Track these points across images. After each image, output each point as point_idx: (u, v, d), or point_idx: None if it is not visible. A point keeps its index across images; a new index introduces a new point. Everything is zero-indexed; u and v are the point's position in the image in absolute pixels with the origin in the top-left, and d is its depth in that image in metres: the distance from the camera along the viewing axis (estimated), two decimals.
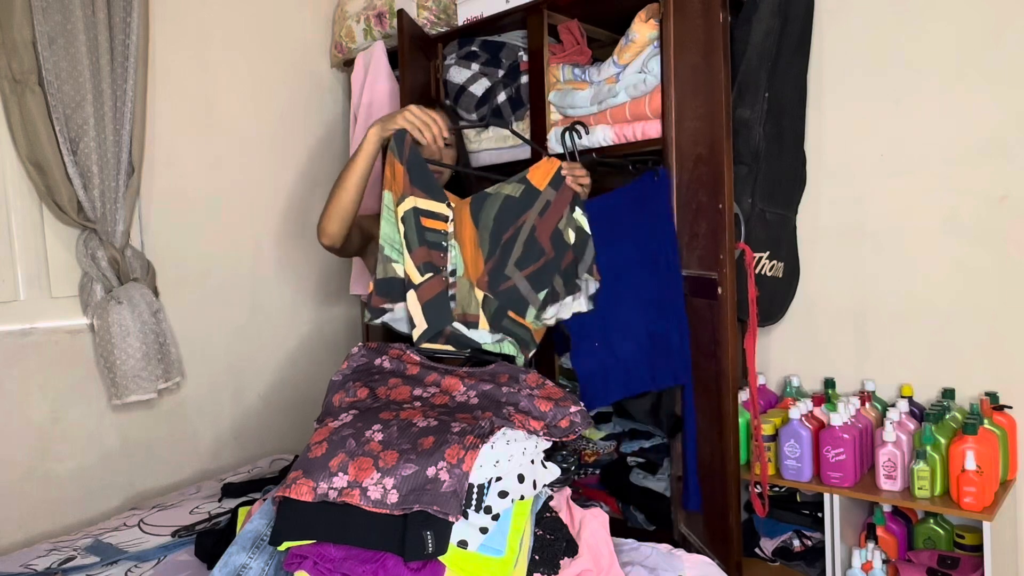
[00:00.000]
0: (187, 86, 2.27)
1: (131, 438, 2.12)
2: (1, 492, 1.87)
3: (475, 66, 2.30)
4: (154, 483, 2.18)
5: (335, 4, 2.68)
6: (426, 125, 1.63)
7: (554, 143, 2.16)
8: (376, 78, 2.43)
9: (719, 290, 1.74)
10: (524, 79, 2.22)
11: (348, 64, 2.63)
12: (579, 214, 1.70)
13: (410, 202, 1.61)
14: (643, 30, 1.93)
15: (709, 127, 1.76)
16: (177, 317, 2.18)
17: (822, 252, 2.19)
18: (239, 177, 2.42)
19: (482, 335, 1.64)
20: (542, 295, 1.65)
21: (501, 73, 2.27)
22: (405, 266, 1.59)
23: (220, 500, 1.91)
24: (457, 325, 1.63)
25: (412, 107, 1.65)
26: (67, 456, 1.99)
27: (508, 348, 1.66)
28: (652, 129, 1.97)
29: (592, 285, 1.71)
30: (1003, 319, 1.93)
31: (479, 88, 2.28)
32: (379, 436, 1.34)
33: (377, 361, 1.62)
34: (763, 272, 2.05)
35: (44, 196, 1.89)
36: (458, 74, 2.32)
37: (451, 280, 1.65)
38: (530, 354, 1.69)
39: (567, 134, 1.94)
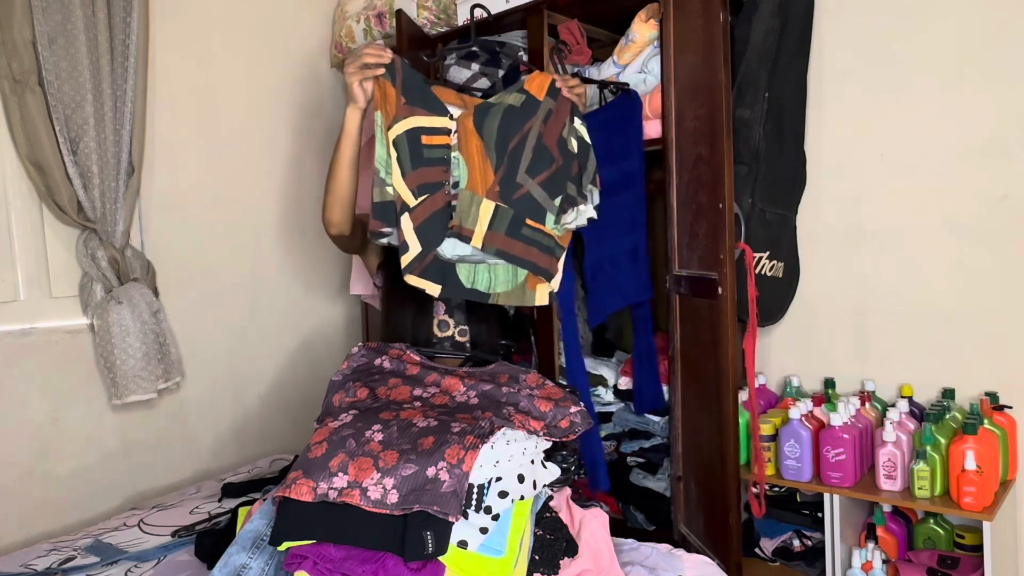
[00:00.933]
0: (187, 86, 2.27)
1: (131, 438, 2.12)
2: (1, 492, 1.87)
3: (475, 66, 2.30)
4: (154, 483, 2.18)
5: (335, 4, 2.68)
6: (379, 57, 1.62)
7: None
8: None
9: (719, 290, 1.74)
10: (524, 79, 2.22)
11: None
12: (579, 124, 1.70)
13: (406, 124, 1.60)
14: (643, 30, 1.94)
15: (709, 127, 1.76)
16: (177, 317, 2.18)
17: (822, 252, 2.19)
18: (239, 177, 2.42)
19: (466, 249, 1.62)
20: (558, 200, 1.65)
21: (501, 73, 2.27)
22: (397, 188, 1.58)
23: (220, 500, 1.91)
24: (443, 247, 1.61)
25: (366, 51, 1.62)
26: (67, 456, 1.99)
27: (482, 277, 1.65)
28: (652, 129, 1.97)
29: (596, 195, 1.72)
30: (1003, 319, 1.93)
31: (479, 88, 2.28)
32: (379, 436, 1.34)
33: (377, 361, 1.62)
34: (763, 272, 2.05)
35: (44, 196, 1.89)
36: (458, 74, 2.32)
37: (453, 192, 1.64)
38: (559, 263, 1.68)
39: (553, 55, 1.96)
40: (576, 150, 1.69)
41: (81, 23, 1.87)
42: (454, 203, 1.63)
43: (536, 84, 1.69)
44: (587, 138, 1.71)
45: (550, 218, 1.65)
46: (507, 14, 2.19)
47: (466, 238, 1.61)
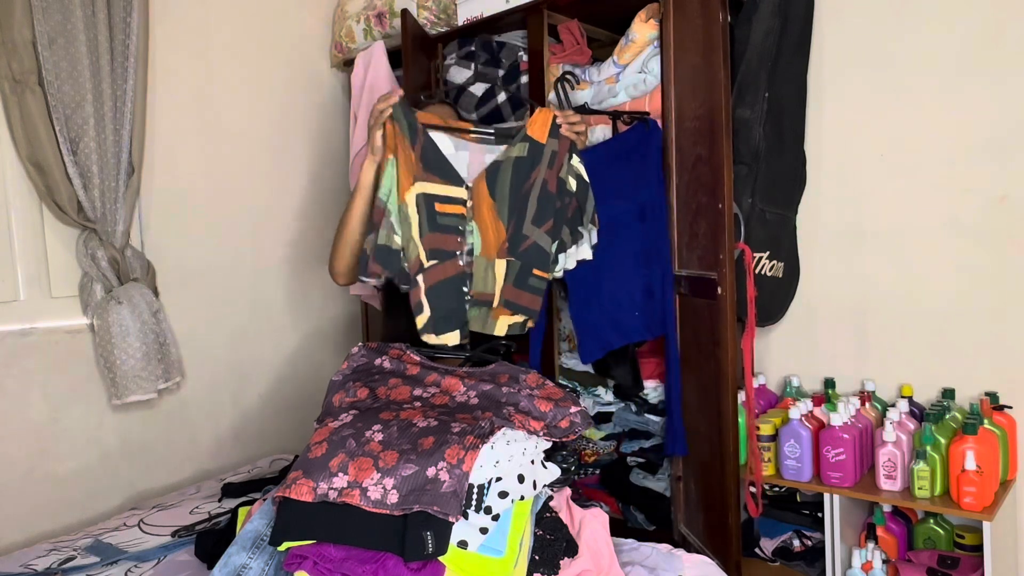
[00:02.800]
0: (187, 86, 2.27)
1: (131, 438, 2.12)
2: (1, 492, 1.87)
3: (475, 66, 2.30)
4: (154, 483, 2.18)
5: (335, 4, 2.68)
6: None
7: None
8: (376, 78, 2.43)
9: (718, 290, 1.74)
10: (524, 79, 2.22)
11: (348, 64, 2.63)
12: (576, 161, 1.71)
13: (422, 187, 1.63)
14: (643, 30, 1.94)
15: (709, 127, 1.76)
16: (177, 317, 2.18)
17: (822, 252, 2.19)
18: (239, 177, 2.42)
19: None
20: (554, 247, 1.69)
21: (501, 73, 2.27)
22: (415, 245, 1.61)
23: (220, 500, 1.91)
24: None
25: (376, 104, 1.64)
26: (67, 456, 1.99)
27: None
28: None
29: (594, 234, 1.74)
30: (1003, 319, 1.93)
31: (479, 88, 2.28)
32: (379, 436, 1.34)
33: (377, 361, 1.62)
34: (763, 272, 2.05)
35: (44, 196, 1.89)
36: (458, 74, 2.32)
37: (467, 260, 1.67)
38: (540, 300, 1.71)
39: (559, 85, 1.93)
40: (575, 188, 1.71)
41: (81, 23, 1.87)
42: (468, 271, 1.67)
43: (538, 126, 1.70)
44: (585, 176, 1.72)
45: (549, 265, 1.69)
46: (507, 14, 2.19)
47: (487, 302, 1.67)
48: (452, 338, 1.65)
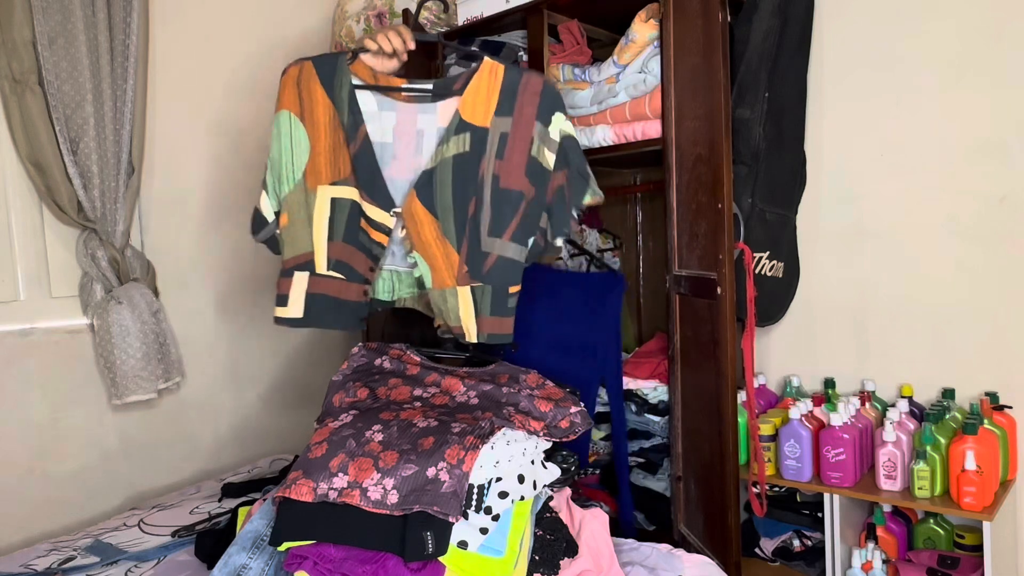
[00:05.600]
0: (187, 86, 2.27)
1: (131, 438, 2.12)
2: (1, 492, 1.87)
3: (475, 66, 2.30)
4: (154, 483, 2.18)
5: (335, 4, 2.68)
6: (386, 40, 1.49)
7: None
8: None
9: (718, 290, 1.74)
10: None
11: None
12: (558, 118, 1.42)
13: (352, 194, 1.45)
14: (643, 30, 1.93)
15: (709, 127, 1.76)
16: (177, 317, 2.18)
17: (822, 252, 2.19)
18: (239, 177, 2.41)
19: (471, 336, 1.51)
20: (531, 241, 1.42)
21: None
22: (315, 244, 1.46)
23: (220, 500, 1.91)
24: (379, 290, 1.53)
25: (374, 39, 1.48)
26: (67, 456, 1.99)
27: (384, 285, 1.54)
28: (652, 129, 1.97)
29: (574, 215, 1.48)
30: (1003, 319, 1.93)
31: None
32: (379, 436, 1.35)
33: (377, 361, 1.62)
34: (763, 272, 2.05)
35: (44, 196, 1.89)
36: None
37: (419, 292, 1.54)
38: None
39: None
40: (552, 164, 1.43)
41: (81, 23, 1.87)
42: (367, 300, 1.48)
43: (471, 102, 1.41)
44: (572, 132, 1.45)
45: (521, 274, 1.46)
46: (507, 14, 2.18)
47: (460, 335, 1.49)
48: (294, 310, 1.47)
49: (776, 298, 2.16)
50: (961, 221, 1.98)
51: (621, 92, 2.01)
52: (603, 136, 2.06)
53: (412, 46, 1.51)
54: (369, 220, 1.47)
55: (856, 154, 2.12)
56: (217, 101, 2.36)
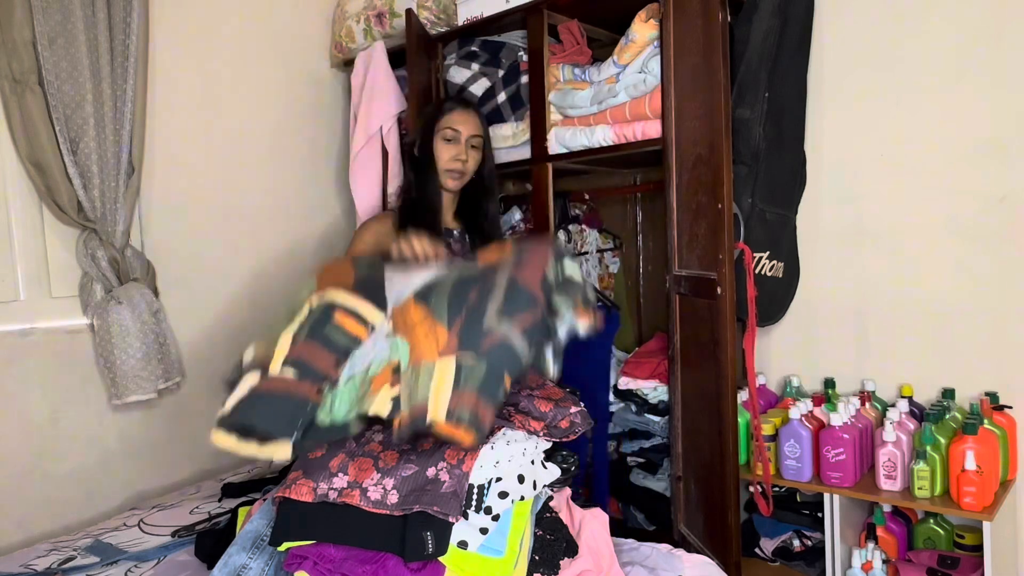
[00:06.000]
0: (187, 86, 2.27)
1: (131, 438, 2.12)
2: (1, 492, 1.87)
3: (475, 66, 2.30)
4: (154, 483, 2.18)
5: (335, 4, 2.68)
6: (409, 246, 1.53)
7: (555, 144, 2.16)
8: (376, 78, 2.43)
9: (718, 290, 1.74)
10: (524, 79, 2.23)
11: (348, 64, 2.63)
12: (569, 261, 1.44)
13: (334, 296, 1.33)
14: (643, 30, 1.94)
15: (709, 127, 1.76)
16: (177, 317, 2.18)
17: (822, 252, 2.19)
18: (239, 177, 2.42)
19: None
20: (528, 358, 1.29)
21: (501, 73, 2.27)
22: (279, 343, 1.32)
23: (220, 500, 1.91)
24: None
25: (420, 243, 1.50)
26: (67, 456, 1.99)
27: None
28: (652, 129, 1.97)
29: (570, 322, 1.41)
30: (1003, 319, 1.93)
31: (479, 88, 2.28)
32: (379, 436, 1.35)
33: None
34: (763, 272, 2.05)
35: (44, 196, 1.89)
36: (458, 74, 2.32)
37: (393, 376, 1.27)
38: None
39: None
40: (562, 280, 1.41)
41: (81, 23, 1.87)
42: (317, 402, 1.22)
43: (487, 256, 1.45)
44: (577, 277, 1.43)
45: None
46: (507, 14, 2.19)
47: (420, 420, 1.20)
48: (250, 448, 1.26)
49: (776, 298, 2.16)
50: (961, 221, 1.98)
51: (621, 92, 2.01)
52: (603, 136, 2.06)
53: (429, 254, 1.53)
54: (349, 311, 1.32)
55: (856, 154, 2.12)
56: (217, 101, 2.35)
